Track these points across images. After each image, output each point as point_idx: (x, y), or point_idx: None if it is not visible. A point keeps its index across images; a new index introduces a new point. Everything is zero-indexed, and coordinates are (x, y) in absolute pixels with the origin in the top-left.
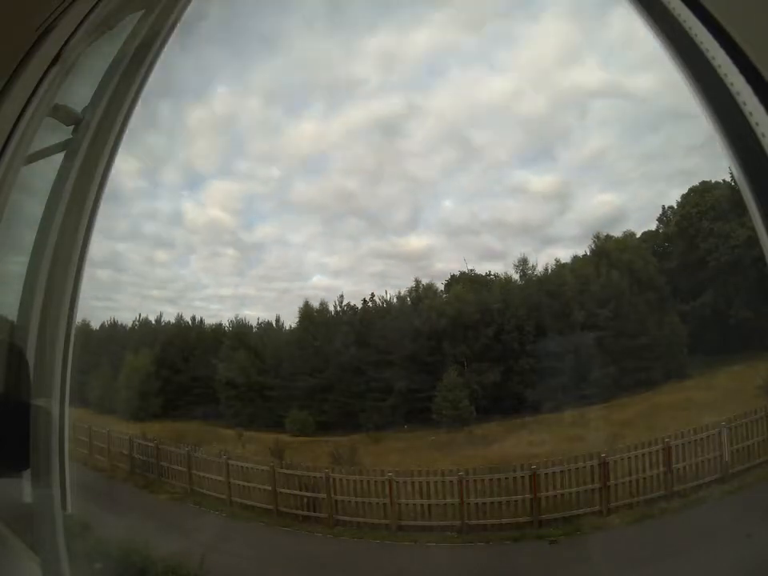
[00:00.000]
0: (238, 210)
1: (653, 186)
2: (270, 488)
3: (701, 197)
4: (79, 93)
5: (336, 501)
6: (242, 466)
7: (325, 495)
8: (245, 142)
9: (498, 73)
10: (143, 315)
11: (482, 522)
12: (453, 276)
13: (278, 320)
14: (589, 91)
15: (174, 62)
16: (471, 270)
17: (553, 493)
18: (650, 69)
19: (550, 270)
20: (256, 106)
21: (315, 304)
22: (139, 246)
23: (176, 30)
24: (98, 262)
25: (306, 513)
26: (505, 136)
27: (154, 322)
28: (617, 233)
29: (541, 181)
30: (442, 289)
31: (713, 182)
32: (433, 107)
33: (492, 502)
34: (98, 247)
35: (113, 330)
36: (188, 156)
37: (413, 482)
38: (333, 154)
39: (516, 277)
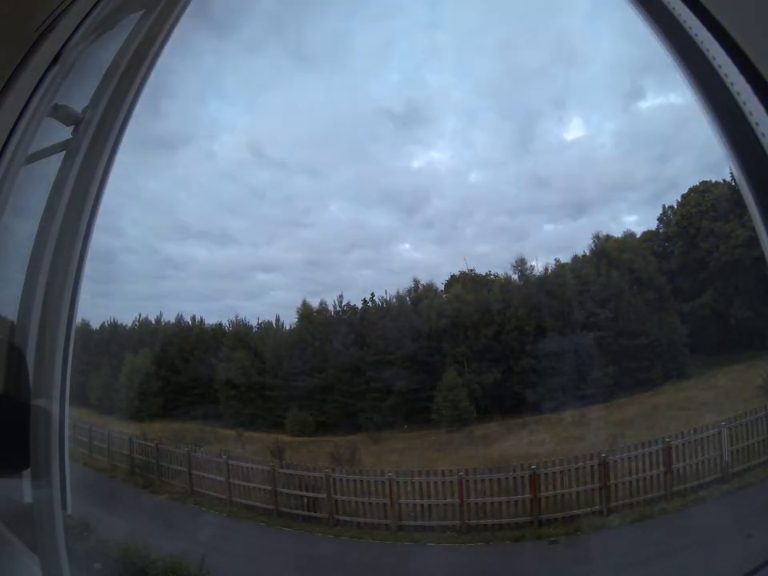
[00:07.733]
0: None
1: None
2: (270, 488)
3: (701, 196)
4: (79, 93)
5: (336, 501)
6: (242, 466)
7: (325, 495)
8: None
9: None
10: (143, 315)
11: (482, 522)
12: (453, 276)
13: (277, 320)
14: None
15: None
16: (471, 270)
17: (553, 493)
18: None
19: (549, 270)
20: None
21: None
22: None
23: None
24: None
25: (306, 513)
26: None
27: (153, 322)
28: (617, 233)
29: None
30: (442, 289)
31: (713, 181)
32: None
33: (492, 502)
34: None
35: (113, 329)
36: None
37: (413, 482)
38: None
39: (515, 277)
